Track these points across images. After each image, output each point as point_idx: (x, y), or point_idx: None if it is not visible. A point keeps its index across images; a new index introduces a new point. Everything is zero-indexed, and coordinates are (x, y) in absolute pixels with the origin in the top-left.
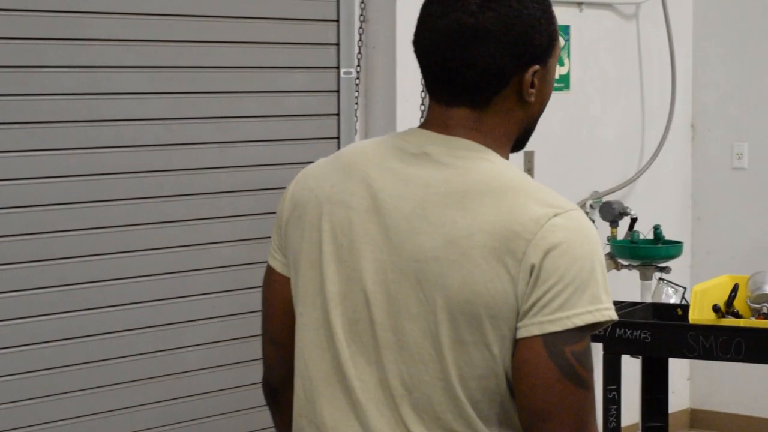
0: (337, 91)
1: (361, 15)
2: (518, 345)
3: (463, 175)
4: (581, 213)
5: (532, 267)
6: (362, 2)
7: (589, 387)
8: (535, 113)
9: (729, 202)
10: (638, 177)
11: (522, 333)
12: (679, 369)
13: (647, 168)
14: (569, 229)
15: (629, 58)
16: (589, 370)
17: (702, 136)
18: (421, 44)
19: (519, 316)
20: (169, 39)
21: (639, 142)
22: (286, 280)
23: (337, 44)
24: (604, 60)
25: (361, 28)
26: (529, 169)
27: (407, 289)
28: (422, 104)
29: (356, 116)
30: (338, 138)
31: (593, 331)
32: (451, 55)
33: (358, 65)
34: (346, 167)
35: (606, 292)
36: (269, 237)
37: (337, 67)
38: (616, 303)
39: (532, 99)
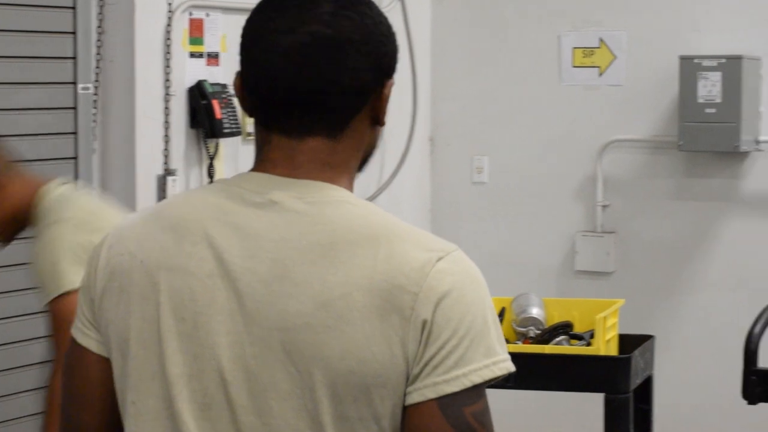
0: (74, 108)
1: (99, 26)
2: (409, 411)
3: (325, 224)
4: (462, 253)
5: (424, 323)
6: (100, 13)
7: None
8: (377, 137)
9: (469, 217)
10: (380, 193)
11: (414, 398)
12: None
13: (389, 184)
14: (456, 274)
15: None
16: (490, 430)
17: (441, 150)
18: (263, 67)
19: (410, 379)
20: None
21: (379, 157)
22: (104, 362)
23: (74, 58)
24: None
25: (99, 40)
26: None
27: (273, 363)
28: (166, 121)
29: (94, 134)
30: (76, 158)
31: (488, 386)
32: (309, 74)
33: (96, 80)
34: (176, 226)
35: (500, 341)
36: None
37: (74, 83)
38: None
39: (385, 119)
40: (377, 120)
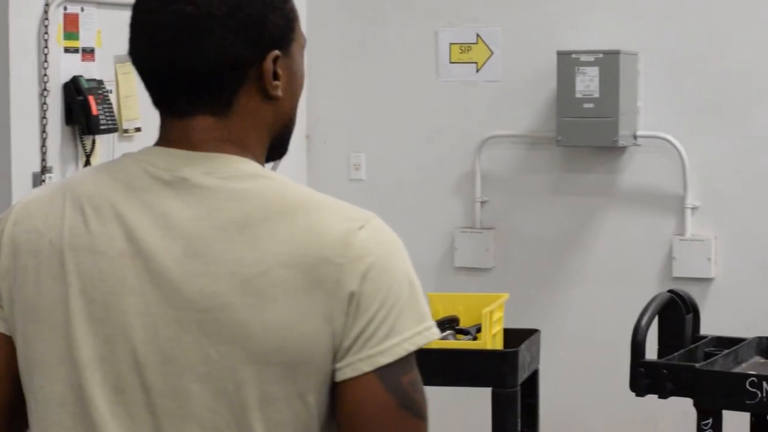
0: None
1: None
2: (345, 386)
3: (239, 200)
4: (381, 220)
5: (351, 295)
6: None
7: (426, 416)
8: (287, 111)
9: None
10: None
11: (348, 373)
12: None
13: None
14: (379, 242)
15: None
16: (425, 397)
17: (318, 147)
18: (140, 49)
19: (339, 354)
20: None
21: None
22: (7, 340)
23: None
24: None
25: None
26: None
27: (189, 345)
28: (43, 117)
29: None
30: None
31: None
32: (178, 53)
33: None
34: (84, 204)
35: (426, 307)
36: None
37: None
38: None
39: (279, 93)
40: (266, 94)
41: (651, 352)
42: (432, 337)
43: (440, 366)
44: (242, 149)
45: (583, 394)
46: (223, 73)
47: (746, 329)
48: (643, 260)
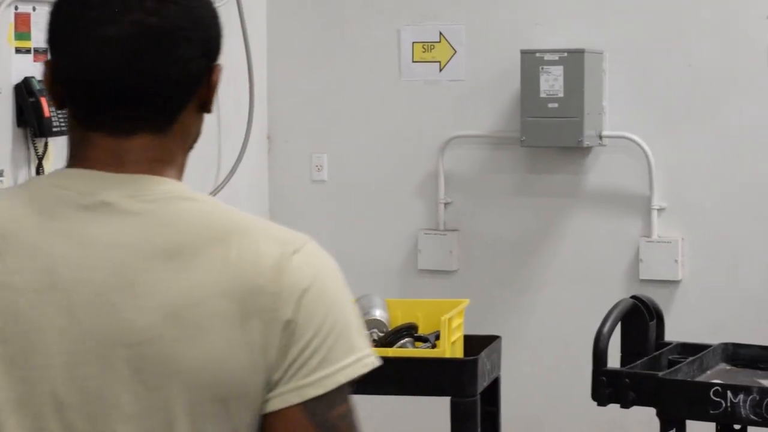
0: None
1: None
2: (271, 419)
3: (167, 225)
4: (316, 244)
5: (287, 324)
6: None
7: None
8: (201, 124)
9: (309, 216)
10: (216, 193)
11: (276, 404)
12: None
13: (225, 183)
14: (315, 267)
15: None
16: (358, 430)
17: (279, 148)
18: (81, 60)
19: (271, 384)
20: None
21: (216, 156)
22: None
23: None
24: None
25: None
26: None
27: (115, 383)
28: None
29: None
30: None
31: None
32: (136, 68)
33: None
34: None
35: (363, 334)
36: None
37: None
38: None
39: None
40: (204, 107)
41: (614, 360)
42: (364, 369)
43: (398, 375)
44: (169, 167)
45: (547, 401)
46: (181, 90)
47: (714, 332)
48: (610, 262)
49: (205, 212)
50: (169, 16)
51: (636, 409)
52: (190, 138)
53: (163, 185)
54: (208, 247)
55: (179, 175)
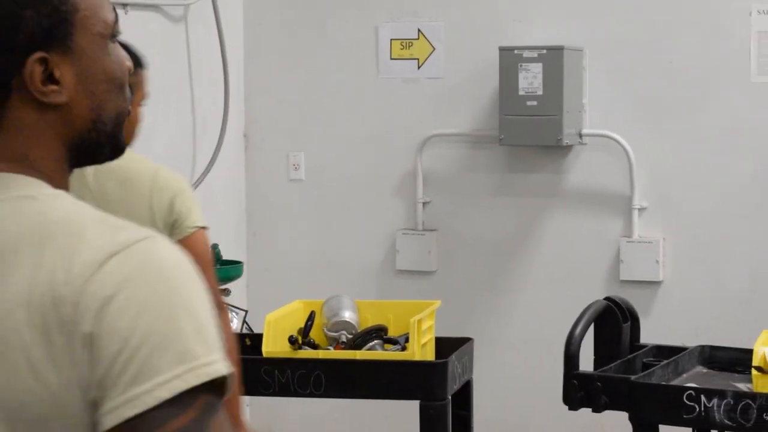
0: None
1: None
2: None
3: None
4: (156, 242)
5: (87, 337)
6: None
7: None
8: (84, 114)
9: (286, 215)
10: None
11: (103, 425)
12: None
13: (201, 182)
14: (130, 270)
15: (179, 65)
16: None
17: (256, 147)
18: None
19: (95, 405)
20: None
21: (191, 155)
22: None
23: None
24: (152, 67)
25: None
26: None
27: None
28: None
29: None
30: None
31: (214, 392)
32: None
33: None
34: None
35: (203, 341)
36: None
37: None
38: None
39: (61, 98)
40: (41, 102)
41: (588, 363)
42: (197, 381)
43: (366, 378)
44: (25, 166)
45: (525, 404)
46: None
47: (695, 333)
48: (590, 262)
49: (35, 212)
50: None
51: (613, 413)
52: (46, 133)
53: (5, 182)
54: (26, 252)
55: (38, 171)
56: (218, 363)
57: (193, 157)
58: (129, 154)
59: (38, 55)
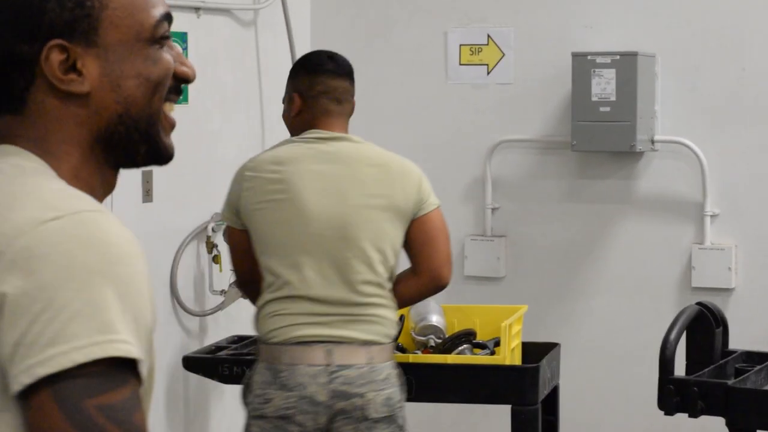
0: None
1: None
2: (25, 411)
3: None
4: (106, 216)
5: (4, 295)
6: None
7: None
8: (109, 107)
9: None
10: None
11: (13, 386)
12: None
13: None
14: (68, 235)
15: (249, 69)
16: (133, 428)
17: None
18: None
19: (7, 366)
20: None
21: None
22: None
23: None
24: (222, 71)
25: None
26: (148, 191)
27: None
28: None
29: None
30: None
31: (135, 376)
32: None
33: None
34: None
35: (125, 320)
36: None
37: None
38: (245, 337)
39: (81, 88)
40: (60, 90)
41: (678, 368)
42: (114, 352)
43: (457, 382)
44: (43, 150)
45: (602, 410)
46: (2, 71)
47: None
48: (661, 270)
49: (12, 175)
50: None
51: (689, 419)
52: (68, 120)
53: (7, 152)
54: None
55: (56, 157)
56: (134, 346)
57: None
58: (371, 147)
59: (55, 42)
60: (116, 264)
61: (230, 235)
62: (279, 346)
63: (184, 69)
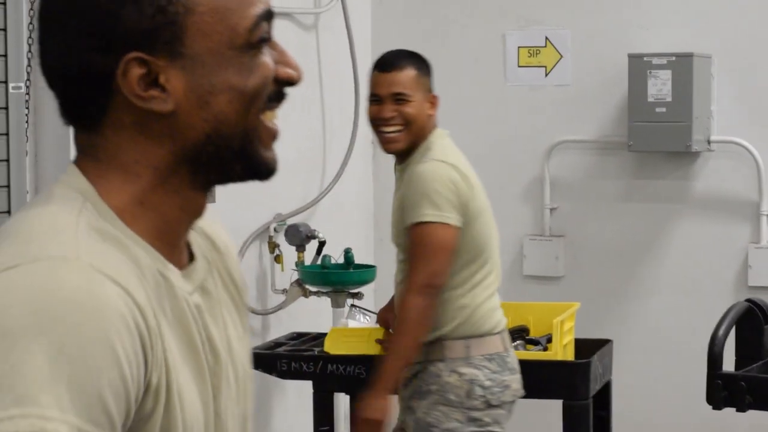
0: (6, 108)
1: (30, 23)
2: None
3: None
4: (67, 266)
5: None
6: (31, 9)
7: None
8: (196, 125)
9: None
10: (322, 198)
11: None
12: None
13: (331, 188)
14: (13, 288)
15: (309, 72)
16: None
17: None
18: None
19: None
20: None
21: (321, 161)
22: None
23: (5, 56)
24: None
25: (30, 37)
26: (211, 192)
27: None
28: None
29: (27, 136)
30: (7, 160)
31: None
32: (40, 59)
33: (28, 79)
34: None
35: (55, 390)
36: None
37: (5, 82)
38: (304, 334)
39: (165, 106)
40: (139, 107)
41: (727, 364)
42: (28, 428)
43: None
44: (110, 170)
45: (656, 407)
46: (71, 84)
47: None
48: (718, 269)
49: (22, 213)
50: (50, 1)
51: (747, 415)
52: (149, 135)
53: (64, 179)
54: None
55: (120, 174)
56: (63, 422)
57: (323, 164)
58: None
59: (133, 55)
60: (58, 323)
61: (453, 236)
62: (500, 335)
63: (288, 71)
